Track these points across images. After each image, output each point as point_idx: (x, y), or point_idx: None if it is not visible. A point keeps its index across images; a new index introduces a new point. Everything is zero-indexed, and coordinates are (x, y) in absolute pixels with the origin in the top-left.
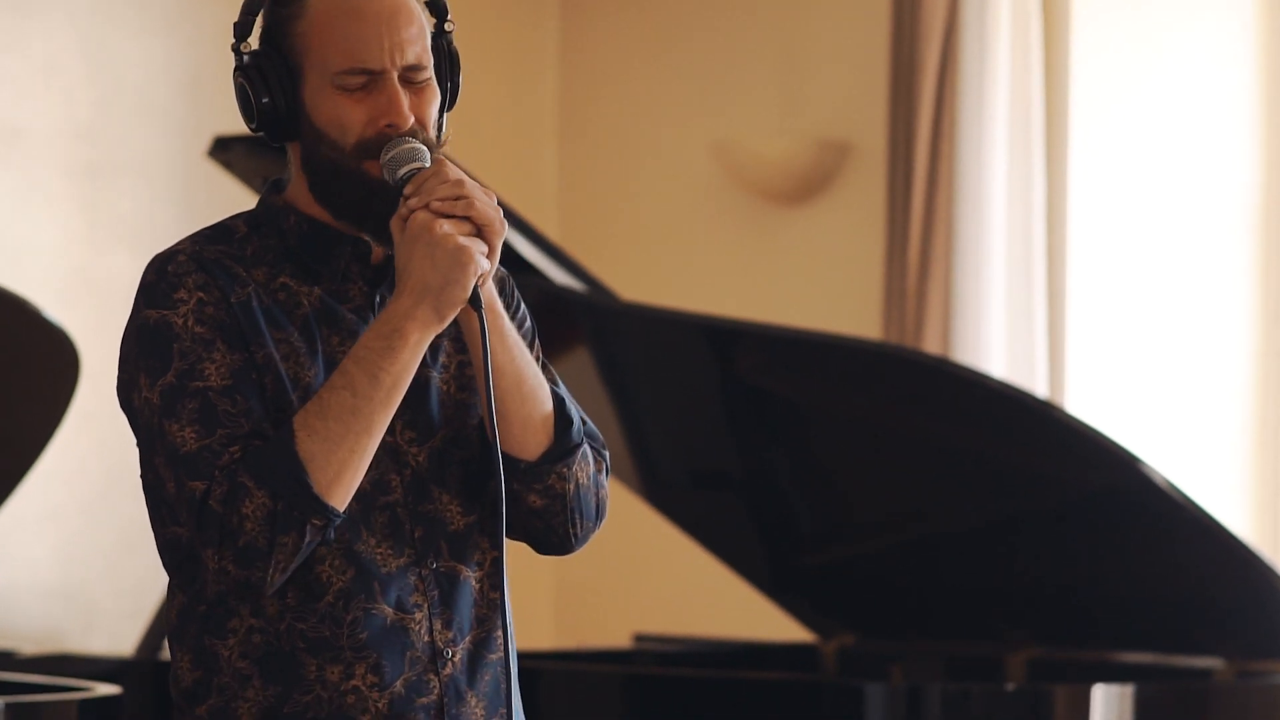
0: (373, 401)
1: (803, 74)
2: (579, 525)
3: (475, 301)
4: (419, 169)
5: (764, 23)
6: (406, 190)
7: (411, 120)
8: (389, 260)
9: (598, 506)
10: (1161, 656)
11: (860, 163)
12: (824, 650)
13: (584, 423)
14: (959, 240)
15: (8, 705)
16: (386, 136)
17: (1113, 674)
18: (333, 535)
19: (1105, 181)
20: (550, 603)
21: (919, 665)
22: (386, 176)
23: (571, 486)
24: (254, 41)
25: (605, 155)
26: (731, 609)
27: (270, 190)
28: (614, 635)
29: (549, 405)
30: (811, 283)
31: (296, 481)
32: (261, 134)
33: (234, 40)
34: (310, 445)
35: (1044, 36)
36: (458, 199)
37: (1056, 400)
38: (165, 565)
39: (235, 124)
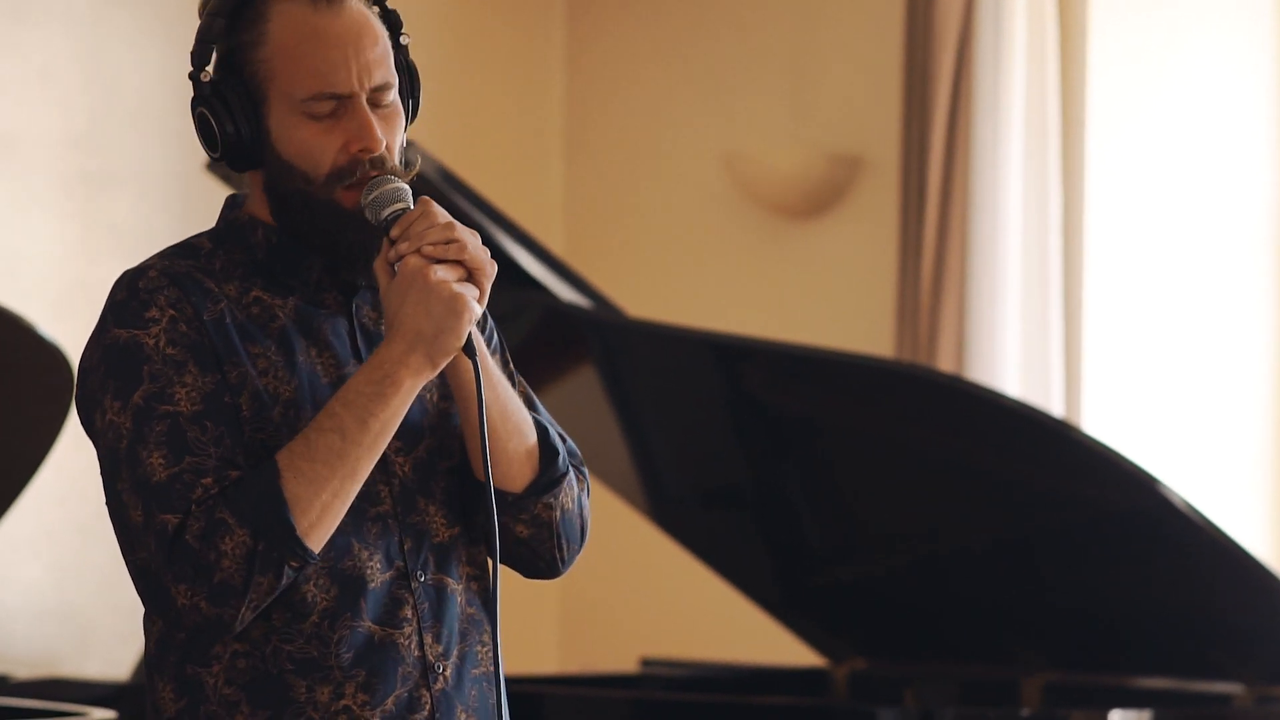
0: (360, 446)
1: (814, 85)
2: (565, 550)
3: (469, 349)
4: (403, 209)
5: (774, 32)
6: (393, 233)
7: (384, 144)
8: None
9: (582, 529)
10: (1180, 681)
11: (873, 176)
12: (835, 674)
13: (563, 441)
14: (973, 255)
15: None
16: (358, 162)
17: (1130, 699)
18: (301, 578)
19: (1123, 194)
20: (555, 626)
21: (932, 689)
22: (369, 216)
23: (557, 514)
24: (210, 70)
25: (612, 168)
26: (740, 632)
27: (229, 207)
28: (620, 659)
29: (533, 437)
30: (823, 298)
31: (281, 522)
32: (223, 162)
33: (191, 69)
34: (296, 487)
35: (1060, 47)
36: (449, 243)
37: (1073, 419)
38: (139, 591)
39: None
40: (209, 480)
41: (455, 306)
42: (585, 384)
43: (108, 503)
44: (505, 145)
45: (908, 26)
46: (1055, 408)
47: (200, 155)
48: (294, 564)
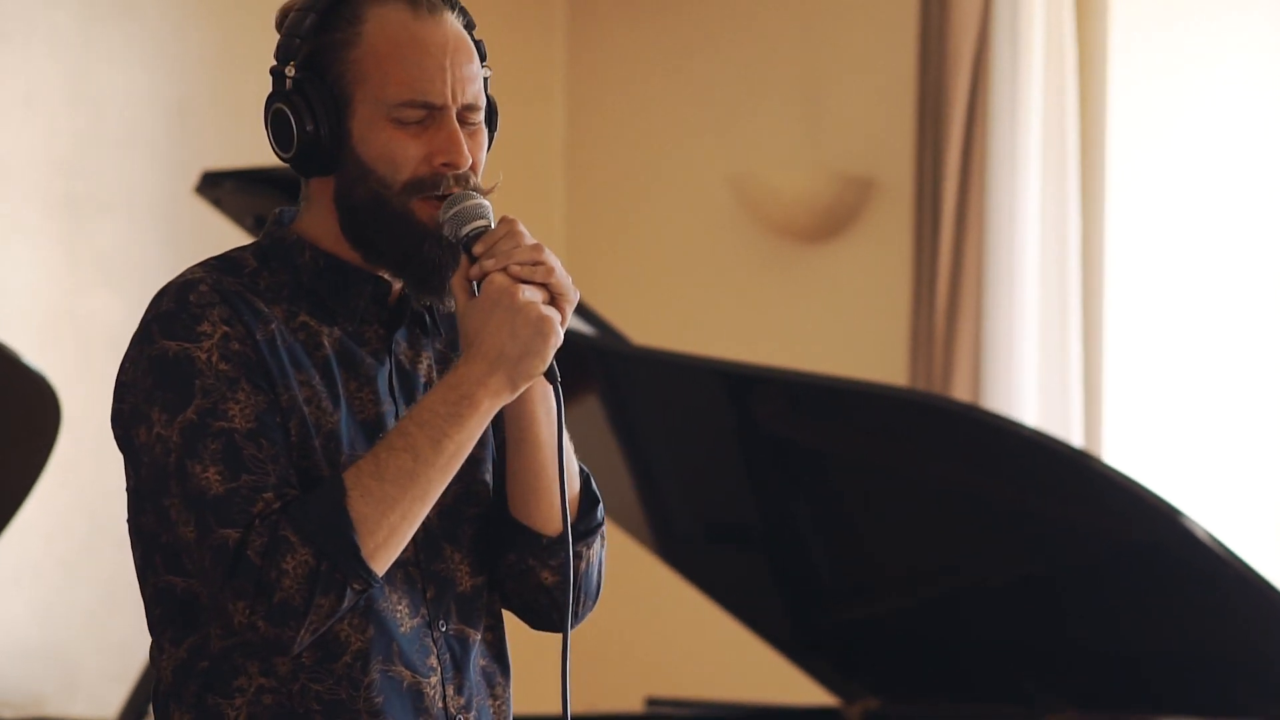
0: (433, 468)
1: (825, 104)
2: (582, 604)
3: (551, 374)
4: (486, 226)
5: (785, 50)
6: (476, 250)
7: (470, 162)
8: (403, 301)
9: (598, 585)
10: None
11: (885, 198)
12: (848, 714)
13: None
14: (990, 280)
15: None
16: (441, 176)
17: None
18: (362, 602)
19: (1144, 216)
20: (558, 665)
21: None
22: (447, 232)
23: (584, 565)
24: (293, 67)
25: (615, 189)
26: (749, 670)
27: (275, 223)
28: (625, 699)
29: (578, 483)
30: (834, 325)
31: (345, 543)
32: (292, 165)
33: (275, 64)
34: (363, 506)
35: (1079, 65)
36: (536, 264)
37: (1093, 450)
38: (155, 618)
39: (222, 158)
40: (270, 495)
41: (543, 329)
42: (588, 415)
43: (134, 520)
44: (504, 165)
45: (922, 44)
46: (1075, 437)
47: (188, 179)
48: (357, 586)
